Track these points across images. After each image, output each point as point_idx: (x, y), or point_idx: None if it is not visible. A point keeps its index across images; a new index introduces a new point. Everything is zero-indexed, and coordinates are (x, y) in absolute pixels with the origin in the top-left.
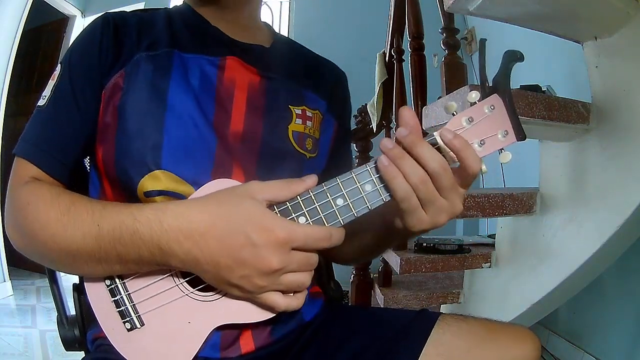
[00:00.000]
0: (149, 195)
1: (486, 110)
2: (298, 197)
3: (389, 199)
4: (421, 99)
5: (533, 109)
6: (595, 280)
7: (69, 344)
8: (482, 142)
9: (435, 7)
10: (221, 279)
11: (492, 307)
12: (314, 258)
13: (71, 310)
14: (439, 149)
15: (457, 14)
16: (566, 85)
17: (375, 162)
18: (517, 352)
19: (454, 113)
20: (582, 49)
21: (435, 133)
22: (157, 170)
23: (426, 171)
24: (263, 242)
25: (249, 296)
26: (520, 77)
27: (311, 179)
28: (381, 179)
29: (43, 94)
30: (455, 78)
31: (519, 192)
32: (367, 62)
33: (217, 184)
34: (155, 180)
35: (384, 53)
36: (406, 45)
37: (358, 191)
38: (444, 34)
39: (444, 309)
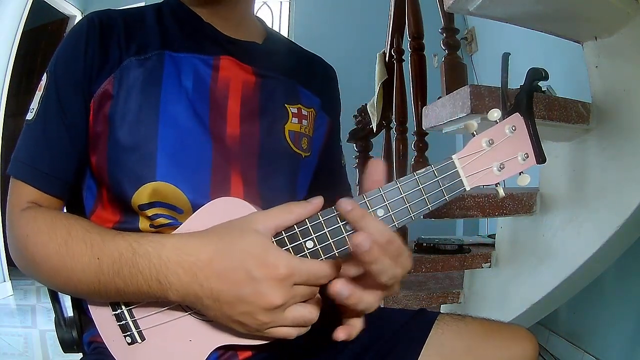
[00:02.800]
0: (144, 209)
1: (507, 131)
2: (307, 221)
3: (402, 225)
4: (421, 99)
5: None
6: (595, 280)
7: (67, 346)
8: (501, 166)
9: (435, 7)
10: (223, 315)
11: (492, 307)
12: (317, 289)
13: (68, 311)
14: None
15: (457, 14)
16: (566, 85)
17: (389, 187)
18: (515, 352)
19: (474, 133)
20: (582, 49)
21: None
22: (152, 182)
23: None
24: (264, 278)
25: (254, 333)
26: (520, 77)
27: (317, 200)
28: (393, 204)
29: (31, 106)
30: (455, 78)
31: (519, 192)
32: (367, 62)
33: (218, 204)
34: (149, 193)
35: (384, 53)
36: (406, 45)
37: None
38: (444, 34)
39: (444, 309)
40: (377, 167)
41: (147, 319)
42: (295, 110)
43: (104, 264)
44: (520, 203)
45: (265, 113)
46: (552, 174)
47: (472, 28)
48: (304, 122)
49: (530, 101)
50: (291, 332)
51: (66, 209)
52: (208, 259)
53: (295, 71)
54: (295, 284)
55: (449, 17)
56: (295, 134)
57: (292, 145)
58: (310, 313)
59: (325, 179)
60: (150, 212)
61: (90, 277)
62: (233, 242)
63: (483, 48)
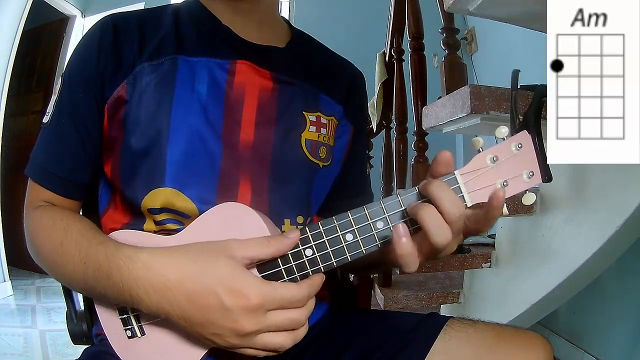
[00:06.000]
0: (152, 212)
1: (513, 149)
2: (307, 229)
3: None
4: (421, 99)
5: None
6: (595, 280)
7: (77, 339)
8: (505, 184)
9: (435, 7)
10: (194, 332)
11: (492, 307)
12: (300, 317)
13: (80, 305)
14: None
15: (457, 14)
16: None
17: (390, 200)
18: None
19: (480, 150)
20: None
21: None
22: (161, 188)
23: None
24: (235, 307)
25: (226, 349)
26: (520, 77)
27: (294, 233)
28: (393, 217)
29: (47, 109)
30: (455, 78)
31: (518, 192)
32: (367, 62)
33: (223, 209)
34: (158, 198)
35: (384, 53)
36: (406, 45)
37: (369, 228)
38: (444, 34)
39: (444, 309)
40: (445, 157)
41: (147, 314)
42: (313, 118)
43: (89, 269)
44: (520, 203)
45: (282, 120)
46: (552, 174)
47: (472, 28)
48: (323, 130)
49: (538, 119)
50: (260, 354)
51: (82, 208)
52: (178, 280)
53: (318, 77)
54: (269, 310)
55: (449, 17)
56: (313, 142)
57: (308, 154)
58: (284, 341)
59: (347, 187)
60: (159, 217)
61: (79, 278)
62: (205, 266)
63: (483, 48)
